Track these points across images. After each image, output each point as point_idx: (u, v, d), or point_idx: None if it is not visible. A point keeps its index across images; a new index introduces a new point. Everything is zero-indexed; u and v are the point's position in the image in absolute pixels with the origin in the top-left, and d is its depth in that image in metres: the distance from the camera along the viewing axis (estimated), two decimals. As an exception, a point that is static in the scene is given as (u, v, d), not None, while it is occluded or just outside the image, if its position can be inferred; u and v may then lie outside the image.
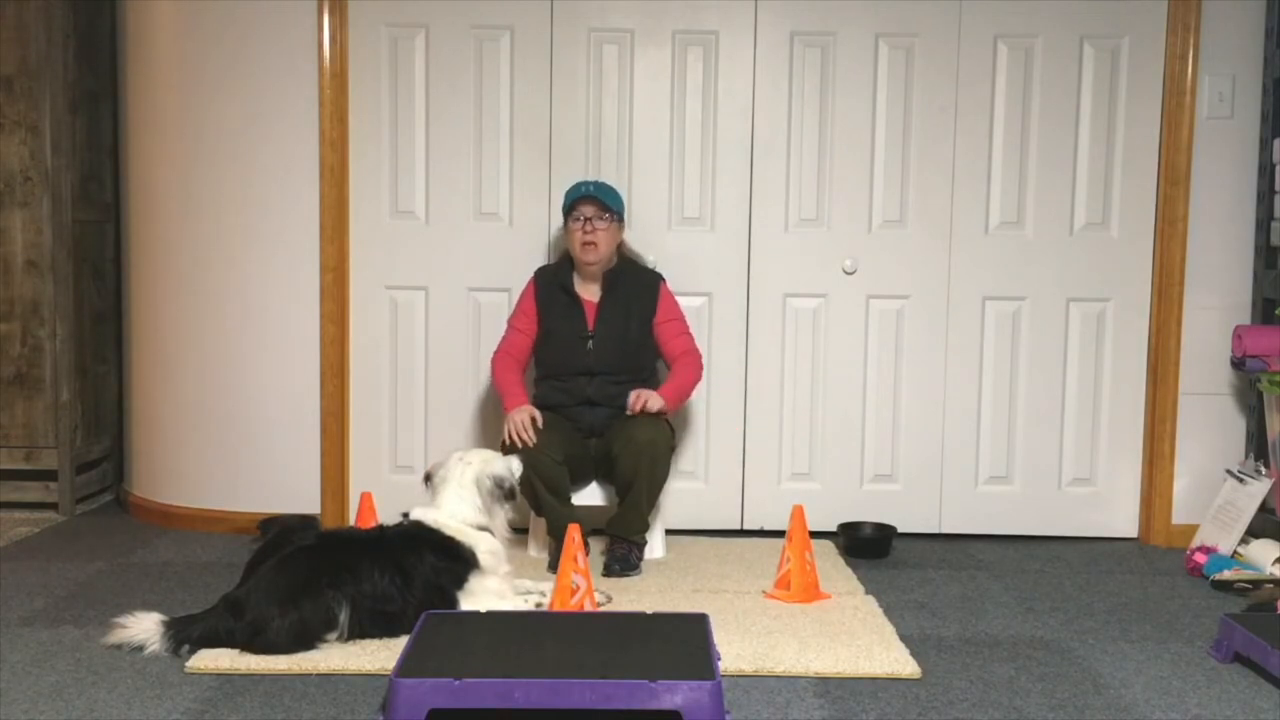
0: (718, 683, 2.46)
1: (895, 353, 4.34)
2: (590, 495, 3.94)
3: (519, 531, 3.83)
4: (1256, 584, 3.67)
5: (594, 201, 3.83)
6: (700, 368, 3.94)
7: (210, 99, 4.22)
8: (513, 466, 3.37)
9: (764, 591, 3.57)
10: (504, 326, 4.05)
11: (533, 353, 3.98)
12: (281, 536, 3.16)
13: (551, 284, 3.94)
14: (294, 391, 4.29)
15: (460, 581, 3.14)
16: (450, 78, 4.25)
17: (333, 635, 2.98)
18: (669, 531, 4.16)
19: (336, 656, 2.91)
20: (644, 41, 4.25)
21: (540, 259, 4.23)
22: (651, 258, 4.22)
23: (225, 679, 2.82)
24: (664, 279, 4.01)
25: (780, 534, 4.09)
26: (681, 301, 4.10)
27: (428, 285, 4.31)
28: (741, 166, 4.28)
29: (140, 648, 2.95)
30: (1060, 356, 4.33)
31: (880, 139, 4.27)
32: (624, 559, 3.75)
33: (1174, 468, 4.28)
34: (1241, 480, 4.02)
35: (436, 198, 4.29)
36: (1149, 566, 4.02)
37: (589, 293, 3.93)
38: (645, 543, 3.85)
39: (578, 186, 3.90)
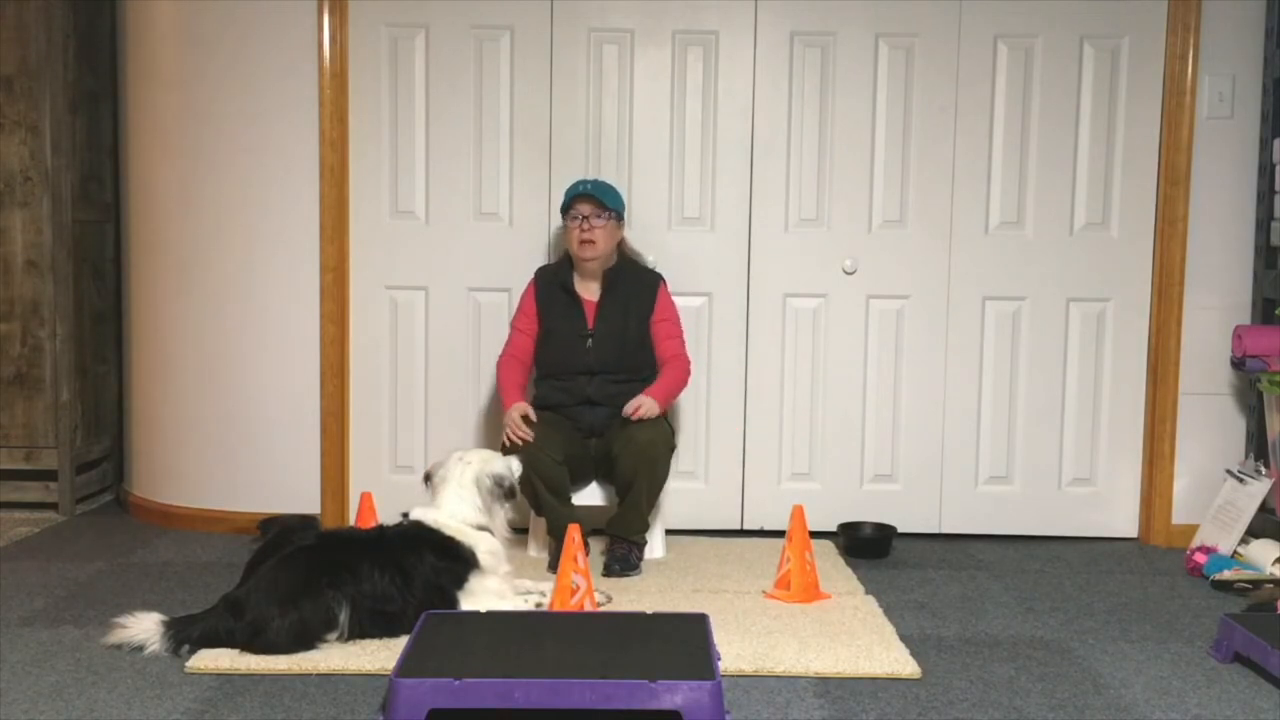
0: (718, 683, 2.46)
1: (895, 353, 4.34)
2: (590, 495, 3.94)
3: (519, 531, 3.83)
4: (1256, 584, 3.67)
5: (591, 200, 3.83)
6: (688, 373, 3.94)
7: (210, 99, 4.23)
8: (512, 466, 3.37)
9: (764, 591, 3.57)
10: (505, 327, 4.06)
11: (534, 355, 3.98)
12: (281, 536, 3.16)
13: (552, 283, 3.94)
14: (294, 391, 4.29)
15: (460, 581, 3.14)
16: (450, 78, 4.25)
17: (333, 635, 2.98)
18: (669, 531, 4.16)
19: (336, 656, 2.91)
20: (644, 41, 4.25)
21: (540, 259, 4.23)
22: (651, 258, 4.22)
23: (225, 679, 2.82)
24: (664, 279, 4.01)
25: (780, 534, 4.09)
26: (681, 301, 4.10)
27: (428, 285, 4.31)
28: (741, 166, 4.28)
29: (140, 648, 2.95)
30: (1060, 356, 4.33)
31: (880, 139, 4.27)
32: (624, 559, 3.75)
33: (1174, 468, 4.28)
34: (1241, 480, 4.02)
35: (436, 198, 4.29)
36: (1149, 566, 4.02)
37: (589, 292, 3.93)
38: (645, 543, 3.86)
39: (575, 185, 3.90)
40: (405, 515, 3.26)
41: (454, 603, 3.11)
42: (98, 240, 4.73)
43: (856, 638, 3.14)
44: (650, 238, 4.26)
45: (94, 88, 4.67)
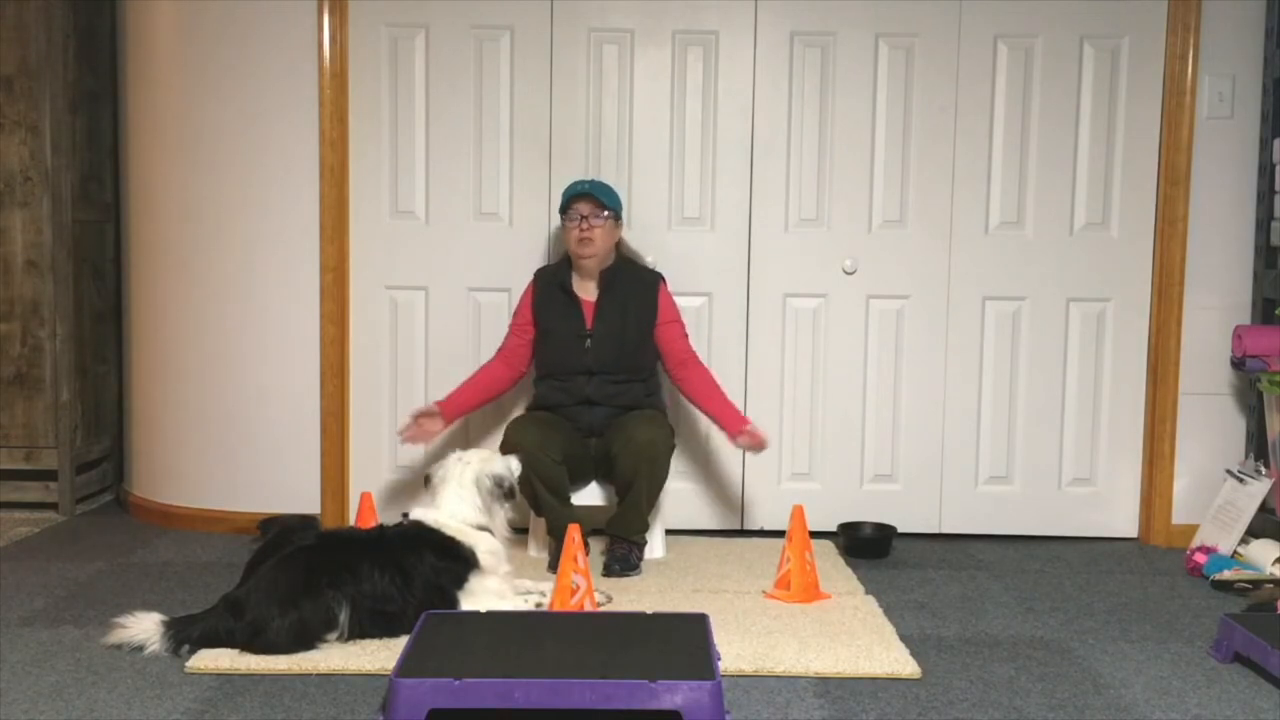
0: (718, 683, 2.46)
1: (895, 353, 4.34)
2: (590, 495, 3.94)
3: (519, 531, 3.83)
4: (1256, 584, 3.67)
5: (589, 199, 3.83)
6: (703, 364, 3.99)
7: (210, 99, 4.23)
8: (512, 466, 3.37)
9: (764, 591, 3.57)
10: (504, 327, 4.07)
11: (532, 353, 3.98)
12: (281, 536, 3.16)
13: (550, 284, 3.94)
14: (294, 391, 4.29)
15: (460, 581, 3.14)
16: (450, 78, 4.25)
17: (333, 635, 2.98)
18: (669, 531, 4.16)
19: (336, 656, 2.91)
20: (644, 41, 4.25)
21: (540, 259, 4.23)
22: (650, 258, 4.22)
23: (225, 679, 2.82)
24: (663, 279, 4.02)
25: (780, 534, 4.09)
26: (681, 301, 4.10)
27: (428, 285, 4.31)
28: (741, 166, 4.28)
29: (140, 648, 2.95)
30: (1060, 356, 4.33)
31: (880, 139, 4.27)
32: (624, 559, 3.75)
33: (1174, 468, 4.28)
34: (1241, 480, 4.02)
35: (436, 198, 4.29)
36: (1149, 566, 4.02)
37: (587, 292, 3.93)
38: (645, 543, 3.86)
39: (573, 185, 3.91)
40: (405, 515, 3.27)
41: (454, 603, 3.11)
42: (98, 240, 4.73)
43: (856, 638, 3.15)
44: (650, 238, 4.26)
45: (94, 88, 4.67)
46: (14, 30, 4.41)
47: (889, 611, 3.42)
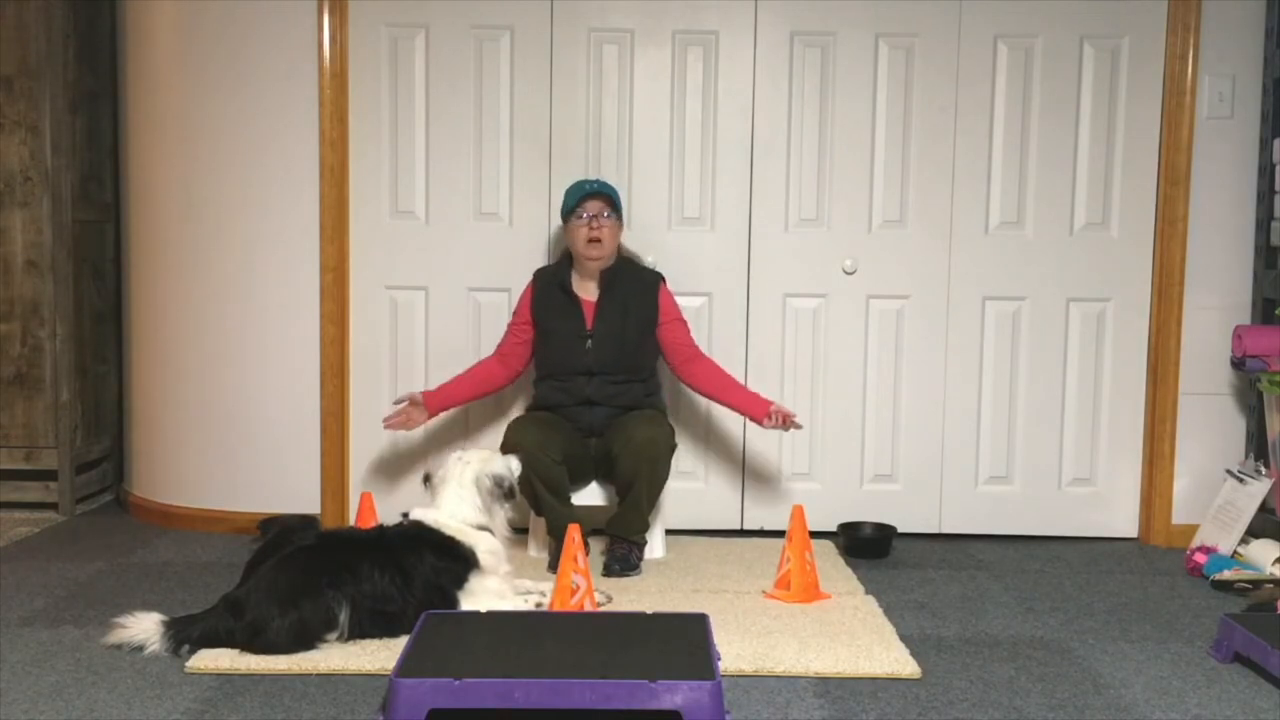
0: (718, 683, 2.46)
1: (895, 353, 4.34)
2: (590, 495, 3.94)
3: (519, 531, 3.83)
4: (1256, 584, 3.67)
5: (600, 198, 3.84)
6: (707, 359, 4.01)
7: (210, 99, 4.23)
8: (512, 465, 3.37)
9: (764, 591, 3.57)
10: (504, 327, 4.07)
11: (532, 354, 3.98)
12: (281, 536, 3.16)
13: (550, 284, 3.94)
14: (294, 391, 4.29)
15: (460, 581, 3.14)
16: (450, 78, 4.25)
17: (333, 635, 2.98)
18: (669, 531, 4.16)
19: (336, 656, 2.91)
20: (644, 41, 4.25)
21: (540, 259, 4.23)
22: (650, 258, 4.22)
23: (225, 679, 2.82)
24: (663, 279, 4.02)
25: (780, 534, 4.09)
26: (681, 301, 4.10)
27: (428, 285, 4.31)
28: (741, 166, 4.28)
29: (140, 648, 2.95)
30: (1060, 356, 4.33)
31: (880, 139, 4.28)
32: (624, 559, 3.75)
33: (1174, 468, 4.28)
34: (1241, 480, 4.02)
35: (436, 198, 4.29)
36: (1149, 566, 4.02)
37: (587, 292, 3.93)
38: (645, 543, 3.86)
39: (581, 185, 3.90)
40: (405, 515, 3.27)
41: (454, 603, 3.11)
42: (98, 240, 4.73)
43: (856, 638, 3.14)
44: (650, 238, 4.26)
45: (94, 88, 4.67)
46: (14, 30, 4.41)
47: (889, 611, 3.42)
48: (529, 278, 4.04)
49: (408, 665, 2.54)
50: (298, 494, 4.28)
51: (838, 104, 4.26)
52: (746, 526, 4.37)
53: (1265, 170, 4.15)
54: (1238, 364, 4.13)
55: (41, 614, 3.31)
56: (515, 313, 4.01)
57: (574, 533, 3.20)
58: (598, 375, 3.86)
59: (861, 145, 4.27)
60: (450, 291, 4.31)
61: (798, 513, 3.57)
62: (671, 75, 4.26)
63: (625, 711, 2.46)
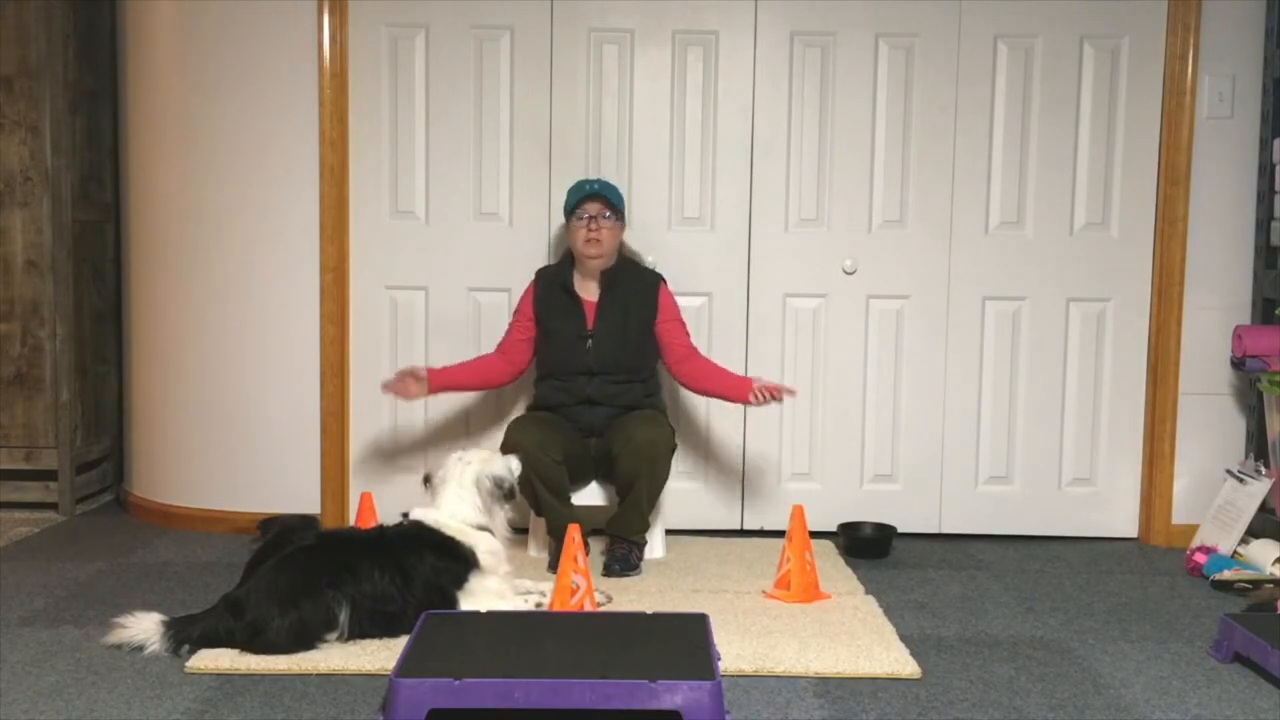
0: (718, 683, 2.46)
1: (895, 353, 4.34)
2: (590, 495, 3.94)
3: (519, 531, 3.83)
4: (1256, 584, 3.67)
5: (600, 199, 3.84)
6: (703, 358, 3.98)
7: (210, 99, 4.23)
8: (512, 466, 3.37)
9: (764, 591, 3.57)
10: (504, 327, 4.06)
11: (534, 352, 3.98)
12: (281, 536, 3.16)
13: (551, 284, 3.94)
14: (294, 391, 4.29)
15: (460, 581, 3.14)
16: (450, 78, 4.25)
17: (333, 635, 2.98)
18: (669, 531, 4.16)
19: (336, 656, 2.91)
20: (644, 41, 4.25)
21: (540, 259, 4.23)
22: (651, 258, 4.22)
23: (225, 679, 2.82)
24: (664, 279, 4.02)
25: (780, 534, 4.09)
26: (681, 301, 4.10)
27: (428, 285, 4.31)
28: (741, 166, 4.28)
29: (140, 648, 2.95)
30: (1060, 356, 4.33)
31: (880, 139, 4.28)
32: (624, 559, 3.75)
33: (1174, 468, 4.28)
34: (1241, 480, 4.02)
35: (436, 198, 4.29)
36: (1149, 566, 4.02)
37: (588, 292, 3.93)
38: (645, 543, 3.86)
39: (582, 185, 3.90)
40: (405, 515, 3.26)
41: (454, 603, 3.11)
42: (98, 240, 4.73)
43: (856, 638, 3.14)
44: (650, 238, 4.26)
45: (94, 88, 4.67)
46: (14, 30, 4.41)
47: (889, 611, 3.42)
48: (529, 278, 4.04)
49: (408, 665, 2.55)
50: (298, 494, 4.28)
51: (838, 104, 4.26)
52: (746, 526, 4.37)
53: (1265, 170, 4.15)
54: (1238, 364, 4.13)
55: (41, 614, 3.31)
56: (517, 310, 4.00)
57: (574, 533, 3.20)
58: (598, 375, 3.86)
59: (861, 145, 4.27)
60: (450, 291, 4.31)
61: (798, 513, 3.57)
62: (671, 75, 4.26)
63: (625, 711, 2.46)
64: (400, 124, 4.27)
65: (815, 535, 3.93)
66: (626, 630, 2.79)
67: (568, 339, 3.88)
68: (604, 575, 3.71)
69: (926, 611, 3.45)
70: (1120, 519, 4.37)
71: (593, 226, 3.83)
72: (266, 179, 4.24)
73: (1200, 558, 3.88)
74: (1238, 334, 4.11)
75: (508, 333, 4.01)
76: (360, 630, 3.00)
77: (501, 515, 3.32)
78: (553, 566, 3.70)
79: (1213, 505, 4.10)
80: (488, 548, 3.22)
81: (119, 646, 2.98)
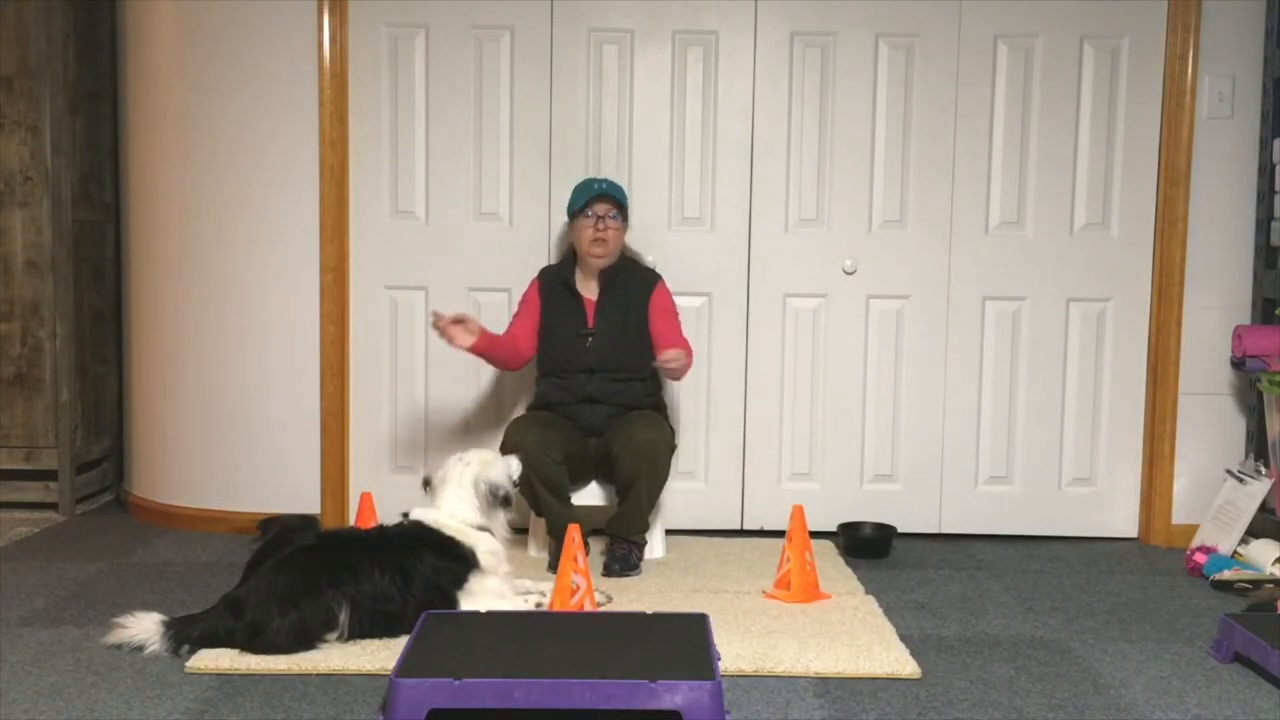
0: (718, 683, 2.46)
1: (895, 353, 4.34)
2: (590, 495, 3.94)
3: (519, 531, 3.83)
4: (1256, 584, 3.67)
5: (609, 200, 3.84)
6: (693, 355, 3.85)
7: (210, 99, 4.23)
8: (512, 467, 3.37)
9: (764, 591, 3.57)
10: (504, 327, 4.05)
11: (535, 350, 3.96)
12: (281, 536, 3.16)
13: (554, 281, 3.95)
14: (294, 391, 4.29)
15: (460, 581, 3.14)
16: (450, 78, 4.25)
17: (333, 635, 2.98)
18: (669, 531, 4.16)
19: (336, 656, 2.91)
20: (644, 41, 4.25)
21: (540, 259, 4.23)
22: (651, 258, 4.22)
23: (225, 679, 2.82)
24: (662, 278, 4.01)
25: (780, 534, 4.09)
26: (681, 301, 4.10)
27: (428, 285, 4.31)
28: (741, 166, 4.28)
29: (140, 648, 2.95)
30: (1060, 356, 4.33)
31: (880, 139, 4.27)
32: (624, 559, 3.75)
33: (1174, 468, 4.28)
34: (1241, 480, 4.02)
35: (436, 198, 4.29)
36: (1149, 566, 4.02)
37: (589, 290, 3.93)
38: (645, 543, 3.86)
39: (589, 184, 3.89)
40: (405, 515, 3.27)
41: (454, 603, 3.11)
42: (98, 240, 4.73)
43: (856, 638, 3.14)
44: (650, 238, 4.26)
45: (94, 88, 4.67)
46: (14, 30, 4.41)
47: (889, 611, 3.42)
48: (529, 278, 4.03)
49: (408, 665, 2.55)
50: (298, 494, 4.28)
51: (838, 104, 4.26)
52: (746, 526, 4.37)
53: (1265, 170, 4.15)
54: (1238, 364, 4.13)
55: (41, 614, 3.31)
56: (523, 299, 3.97)
57: (574, 533, 3.20)
58: (598, 373, 3.86)
59: (861, 145, 4.27)
60: (450, 291, 4.31)
61: (798, 513, 3.57)
62: (671, 75, 4.26)
63: (625, 711, 2.46)
64: (400, 124, 4.27)
65: (815, 535, 3.93)
66: (626, 630, 2.79)
67: (568, 336, 3.88)
68: (604, 575, 3.71)
69: (926, 611, 3.45)
70: (1120, 519, 4.37)
71: (600, 227, 3.83)
72: (266, 179, 4.24)
73: (1200, 558, 3.88)
74: (1238, 334, 4.11)
75: (512, 324, 3.96)
76: (360, 630, 3.00)
77: (501, 515, 3.32)
78: (553, 566, 3.70)
79: (1213, 505, 4.10)
80: (488, 548, 3.22)
81: (119, 646, 2.98)
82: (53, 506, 4.57)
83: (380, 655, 2.92)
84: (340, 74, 4.20)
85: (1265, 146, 4.15)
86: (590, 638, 2.73)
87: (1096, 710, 2.71)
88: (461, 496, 3.27)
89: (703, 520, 4.36)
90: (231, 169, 4.24)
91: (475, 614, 3.00)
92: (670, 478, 3.85)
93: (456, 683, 2.45)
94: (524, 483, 3.49)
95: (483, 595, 3.15)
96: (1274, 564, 3.71)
